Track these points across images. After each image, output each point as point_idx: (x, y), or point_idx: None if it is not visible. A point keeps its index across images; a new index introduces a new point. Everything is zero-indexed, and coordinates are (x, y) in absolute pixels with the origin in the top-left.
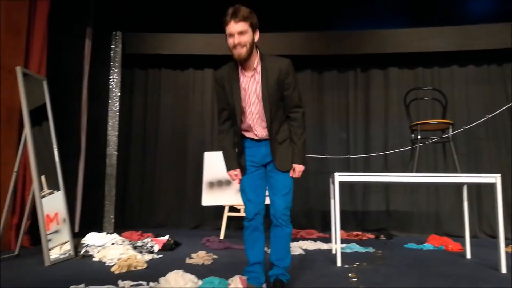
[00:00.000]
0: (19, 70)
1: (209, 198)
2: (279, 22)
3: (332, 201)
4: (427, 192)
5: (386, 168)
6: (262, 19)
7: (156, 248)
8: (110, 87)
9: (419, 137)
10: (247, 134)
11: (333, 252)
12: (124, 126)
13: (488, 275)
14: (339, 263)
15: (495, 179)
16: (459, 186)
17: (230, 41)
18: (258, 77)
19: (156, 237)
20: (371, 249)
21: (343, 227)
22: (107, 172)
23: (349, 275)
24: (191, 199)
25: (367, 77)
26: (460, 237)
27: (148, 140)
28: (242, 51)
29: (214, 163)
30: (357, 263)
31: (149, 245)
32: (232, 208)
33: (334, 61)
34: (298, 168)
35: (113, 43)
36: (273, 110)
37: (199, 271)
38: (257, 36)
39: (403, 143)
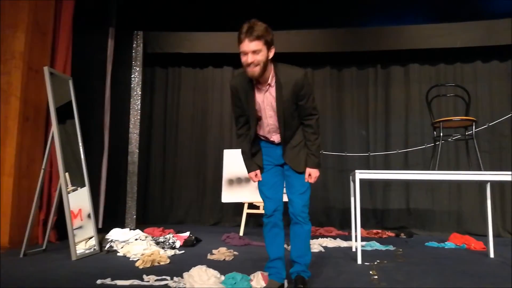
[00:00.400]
0: (46, 70)
1: (228, 195)
2: (298, 20)
3: (352, 198)
4: (448, 190)
5: (407, 165)
6: (280, 18)
7: (178, 244)
8: (132, 85)
9: (441, 134)
10: (264, 139)
11: (353, 249)
12: (145, 124)
13: None
14: (359, 261)
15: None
16: (481, 184)
17: (244, 59)
18: (272, 90)
19: (177, 233)
20: (391, 247)
21: (362, 225)
22: (129, 170)
23: (370, 272)
24: (211, 196)
25: (387, 74)
26: (482, 236)
27: (169, 137)
28: (255, 70)
29: (233, 161)
30: (378, 260)
31: (171, 241)
32: (251, 205)
33: (353, 58)
34: (314, 174)
35: (135, 42)
36: (288, 121)
37: (220, 267)
38: (272, 53)
39: (424, 141)
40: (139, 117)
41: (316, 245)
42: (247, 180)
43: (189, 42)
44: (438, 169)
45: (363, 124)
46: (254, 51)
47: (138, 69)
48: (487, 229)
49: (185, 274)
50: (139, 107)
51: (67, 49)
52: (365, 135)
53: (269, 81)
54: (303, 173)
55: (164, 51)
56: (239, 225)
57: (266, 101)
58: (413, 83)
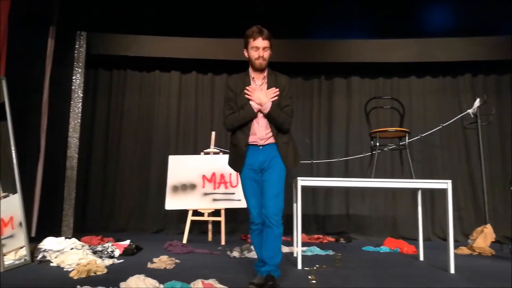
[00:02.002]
0: None
1: (172, 202)
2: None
3: (294, 205)
4: (385, 197)
5: (347, 173)
6: (227, 25)
7: (117, 253)
8: (72, 87)
9: (377, 144)
10: (250, 139)
11: (295, 255)
12: (86, 128)
13: (438, 276)
14: (299, 266)
15: (446, 185)
16: (414, 191)
17: (255, 53)
18: (265, 86)
19: (117, 241)
20: (331, 252)
21: (304, 230)
22: (67, 175)
23: (309, 277)
24: (154, 203)
25: (331, 85)
26: (414, 240)
27: (111, 143)
28: (263, 63)
29: (178, 167)
30: (317, 265)
31: (109, 249)
32: (195, 212)
33: (299, 68)
34: (266, 105)
35: (77, 42)
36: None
37: (161, 276)
38: (271, 54)
39: (363, 150)
40: (79, 120)
41: None
42: (193, 186)
43: (136, 44)
44: (375, 177)
45: (307, 132)
46: (264, 48)
47: (80, 70)
48: (418, 234)
49: (122, 284)
50: (80, 110)
51: (1, 47)
52: (309, 143)
53: (265, 75)
54: (288, 168)
55: (109, 53)
56: (183, 233)
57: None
58: (354, 94)
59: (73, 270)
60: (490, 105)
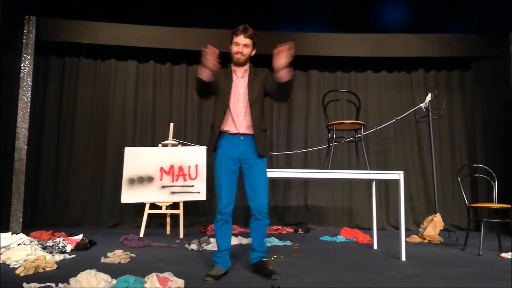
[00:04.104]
0: None
1: (129, 195)
2: (203, 18)
3: None
4: (342, 188)
5: (306, 165)
6: (185, 14)
7: (69, 248)
8: (21, 75)
9: (334, 136)
10: (226, 127)
11: None
12: (36, 118)
13: (390, 263)
14: None
15: (399, 175)
16: (369, 182)
17: (235, 48)
18: (246, 79)
19: (69, 236)
20: (289, 243)
21: None
22: (15, 168)
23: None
24: (110, 197)
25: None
26: (370, 230)
27: (64, 133)
28: (241, 58)
29: (135, 159)
30: (275, 256)
31: (60, 245)
32: (153, 206)
33: (259, 60)
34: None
35: (26, 28)
36: (255, 101)
37: (114, 270)
38: (253, 51)
39: (321, 142)
40: (28, 110)
41: (215, 243)
42: (149, 179)
43: (90, 31)
44: (332, 169)
45: (268, 124)
46: (245, 45)
47: (29, 57)
48: (372, 223)
49: (71, 280)
50: (29, 99)
51: None
52: (269, 135)
53: (246, 68)
54: (264, 158)
55: (60, 39)
56: (140, 227)
57: (240, 84)
58: (313, 88)
59: (20, 266)
60: (441, 99)
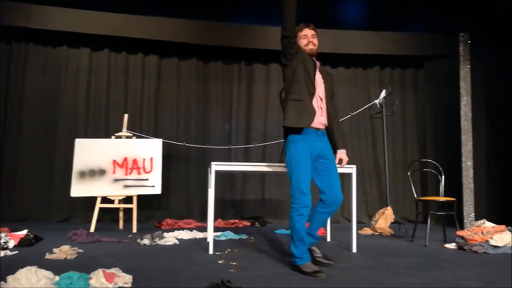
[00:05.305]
0: None
1: (79, 189)
2: (165, 6)
3: (209, 190)
4: None
5: (264, 158)
6: (145, 1)
7: (12, 244)
8: None
9: None
10: (312, 127)
11: (208, 240)
12: None
13: (341, 255)
14: (211, 251)
15: (352, 169)
16: None
17: (304, 41)
18: (320, 76)
19: (12, 231)
20: (244, 236)
21: (221, 215)
22: None
23: (219, 261)
24: (59, 190)
25: (251, 71)
26: None
27: (10, 124)
28: (313, 48)
29: (86, 151)
30: (229, 249)
31: (2, 241)
32: (105, 200)
33: (220, 52)
34: (346, 158)
35: None
36: (329, 100)
37: (59, 267)
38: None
39: (280, 136)
40: None
41: (171, 238)
42: (101, 172)
43: (39, 16)
44: None
45: (227, 117)
46: (312, 35)
47: None
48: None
49: (9, 278)
50: None
51: None
52: (228, 128)
53: (314, 59)
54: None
55: (7, 23)
56: (91, 221)
57: (318, 77)
58: (273, 81)
59: None
60: (394, 96)
